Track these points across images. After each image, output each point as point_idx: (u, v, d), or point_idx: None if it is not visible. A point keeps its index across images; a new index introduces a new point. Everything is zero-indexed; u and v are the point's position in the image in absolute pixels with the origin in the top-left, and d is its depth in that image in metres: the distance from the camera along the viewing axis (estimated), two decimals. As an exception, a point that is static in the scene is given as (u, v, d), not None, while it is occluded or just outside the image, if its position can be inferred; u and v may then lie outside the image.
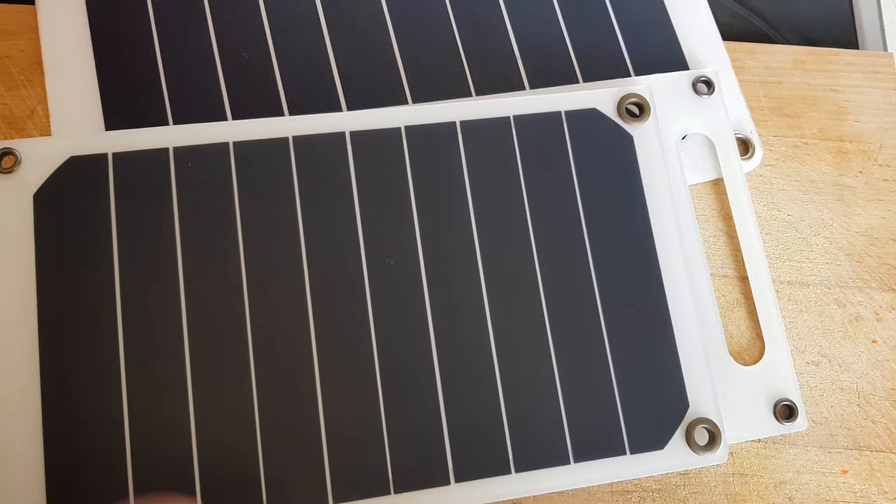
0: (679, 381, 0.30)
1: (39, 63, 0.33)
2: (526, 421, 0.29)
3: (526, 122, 0.31)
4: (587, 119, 0.32)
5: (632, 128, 0.32)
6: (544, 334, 0.29)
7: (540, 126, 0.31)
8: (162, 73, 0.33)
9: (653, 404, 0.29)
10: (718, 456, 0.29)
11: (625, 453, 0.29)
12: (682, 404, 0.29)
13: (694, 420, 0.29)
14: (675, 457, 0.29)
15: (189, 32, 0.34)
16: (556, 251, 0.30)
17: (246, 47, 0.34)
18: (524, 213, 0.30)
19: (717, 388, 0.31)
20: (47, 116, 0.32)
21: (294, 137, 0.30)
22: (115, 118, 0.32)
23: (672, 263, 0.31)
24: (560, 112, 0.32)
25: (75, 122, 0.32)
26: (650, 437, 0.29)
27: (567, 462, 0.28)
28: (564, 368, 0.29)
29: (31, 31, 0.34)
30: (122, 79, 0.33)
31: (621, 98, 0.32)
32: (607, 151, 0.31)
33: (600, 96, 0.32)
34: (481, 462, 0.28)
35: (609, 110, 0.32)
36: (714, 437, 0.29)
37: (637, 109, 0.32)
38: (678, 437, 0.29)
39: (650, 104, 0.32)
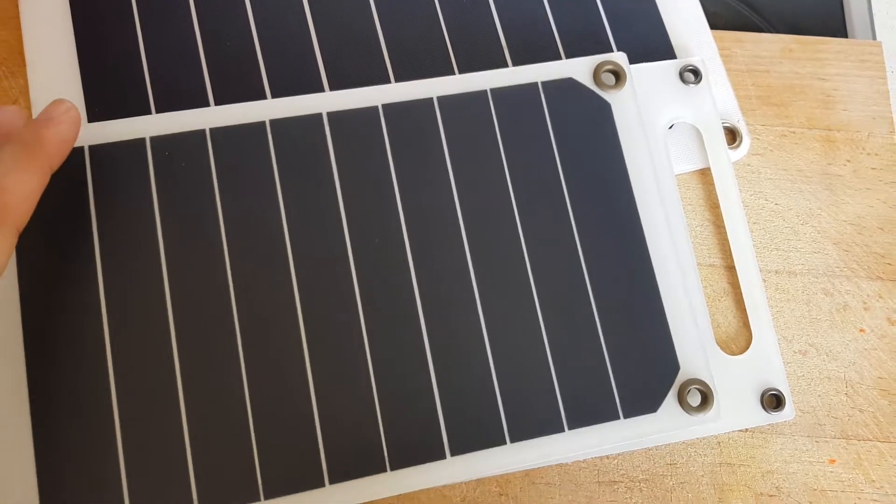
0: (669, 343, 0.30)
1: (21, 53, 0.33)
2: (518, 391, 0.29)
3: (503, 95, 0.31)
4: (564, 89, 0.32)
5: (609, 95, 0.32)
6: (532, 304, 0.29)
7: (517, 98, 0.31)
8: (145, 62, 0.33)
9: (644, 368, 0.29)
10: (711, 415, 0.29)
11: (619, 418, 0.29)
12: (673, 367, 0.29)
13: (686, 381, 0.29)
14: (668, 418, 0.29)
15: (172, 21, 0.33)
16: (541, 221, 0.30)
17: (229, 35, 0.33)
18: (506, 186, 0.30)
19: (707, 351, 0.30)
20: (29, 107, 0.32)
21: (271, 121, 0.30)
22: (98, 108, 0.32)
23: (655, 227, 0.31)
24: (537, 83, 0.31)
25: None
26: (643, 401, 0.29)
27: (562, 430, 0.28)
28: (554, 337, 0.29)
29: (13, 21, 0.33)
30: (105, 69, 0.32)
31: (597, 66, 0.32)
32: (586, 120, 0.31)
33: (576, 65, 0.32)
34: (476, 434, 0.28)
35: (586, 79, 0.32)
36: (706, 398, 0.29)
37: (613, 78, 0.32)
38: (671, 399, 0.29)
39: (626, 71, 0.32)
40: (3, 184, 0.23)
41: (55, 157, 0.25)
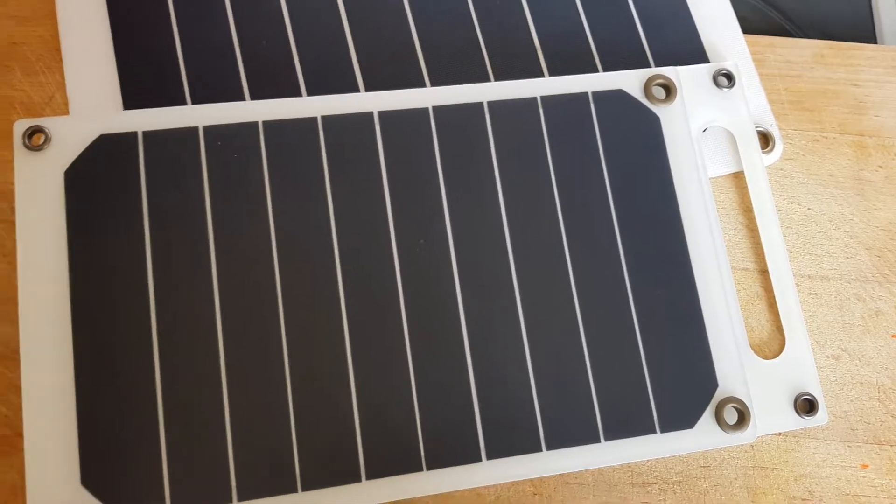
0: (708, 360, 0.30)
1: (57, 49, 0.33)
2: (556, 399, 0.29)
3: (553, 103, 0.31)
4: (614, 100, 0.32)
5: (658, 109, 0.32)
6: (574, 314, 0.30)
7: (567, 107, 0.31)
8: (181, 60, 0.33)
9: (682, 383, 0.29)
10: (747, 435, 0.29)
11: (655, 432, 0.29)
12: (712, 383, 0.29)
13: (723, 399, 0.29)
14: (704, 435, 0.29)
15: (208, 18, 0.33)
16: (585, 231, 0.30)
17: (265, 35, 0.33)
18: (552, 193, 0.31)
19: (746, 370, 0.30)
20: (66, 103, 0.32)
21: (323, 117, 0.30)
22: (134, 105, 0.32)
23: (700, 244, 0.31)
24: (587, 93, 0.32)
25: (94, 109, 0.32)
26: (680, 416, 0.29)
27: (597, 440, 0.28)
28: (594, 348, 0.29)
29: (49, 18, 0.33)
30: (141, 66, 0.32)
31: (648, 79, 0.32)
32: (634, 132, 0.32)
33: (627, 77, 0.32)
34: (512, 440, 0.28)
35: (636, 91, 0.32)
36: (743, 417, 0.29)
37: (664, 92, 0.32)
38: (708, 416, 0.29)
39: (677, 86, 0.32)
40: None
41: None
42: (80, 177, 0.28)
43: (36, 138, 0.28)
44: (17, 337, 0.30)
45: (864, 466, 0.31)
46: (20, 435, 0.29)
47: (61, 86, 0.32)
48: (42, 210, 0.28)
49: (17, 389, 0.29)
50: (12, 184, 0.31)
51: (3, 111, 0.32)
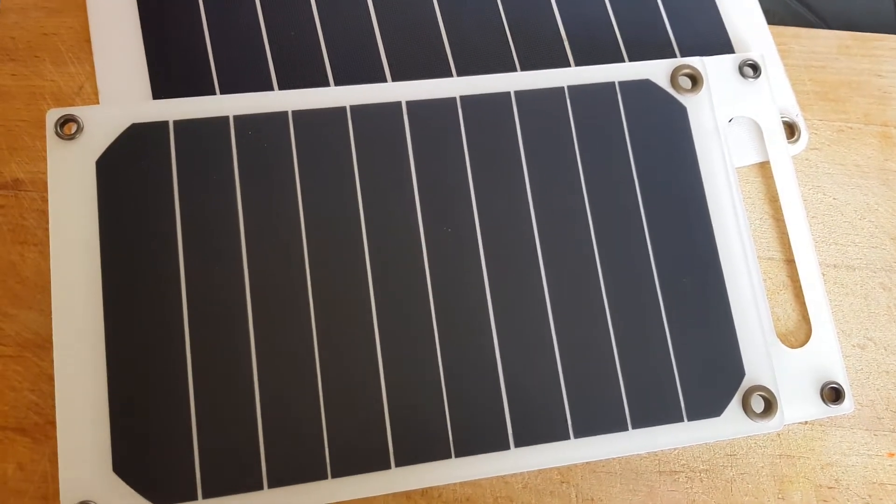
0: (735, 348, 0.30)
1: (87, 40, 0.33)
2: (584, 387, 0.29)
3: (580, 93, 0.31)
4: (641, 90, 0.32)
5: (685, 98, 0.32)
6: (601, 302, 0.30)
7: (594, 96, 0.31)
8: (210, 50, 0.33)
9: (709, 372, 0.29)
10: (774, 423, 0.29)
11: (682, 420, 0.29)
12: (739, 372, 0.30)
13: (750, 388, 0.29)
14: (731, 424, 0.29)
15: (237, 10, 0.34)
16: (612, 220, 0.31)
17: (293, 25, 0.33)
18: (579, 182, 0.31)
19: (772, 359, 0.31)
20: (95, 93, 0.32)
21: (351, 107, 0.30)
22: (163, 95, 0.32)
23: (727, 233, 0.31)
24: (614, 83, 0.32)
25: (123, 99, 0.32)
26: (707, 405, 0.29)
27: (625, 428, 0.29)
28: (621, 336, 0.29)
29: (79, 9, 0.34)
30: (170, 56, 0.33)
31: (674, 69, 0.32)
32: (661, 122, 0.32)
33: (654, 67, 0.32)
34: (540, 428, 0.28)
35: (662, 81, 0.32)
36: (770, 405, 0.29)
37: (690, 82, 0.32)
38: (735, 405, 0.29)
39: (703, 76, 0.32)
40: None
41: None
42: (111, 165, 0.29)
43: (68, 127, 0.29)
44: (47, 326, 0.30)
45: (891, 455, 0.31)
46: (51, 423, 0.29)
47: (91, 76, 0.33)
48: (74, 198, 0.28)
49: (48, 378, 0.30)
50: (43, 173, 0.32)
51: (33, 101, 0.32)
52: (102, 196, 0.28)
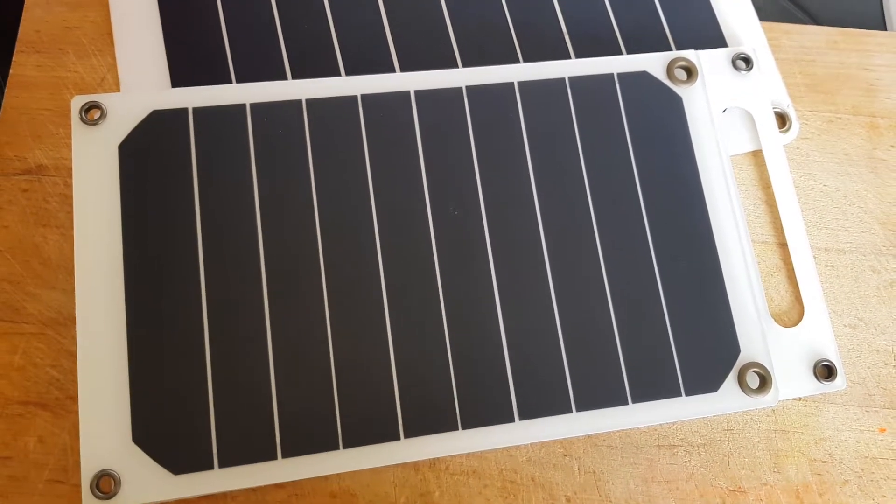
0: (730, 327, 0.31)
1: (109, 33, 0.35)
2: (586, 363, 0.30)
3: (580, 84, 0.33)
4: (638, 81, 0.33)
5: (681, 90, 0.33)
6: (602, 282, 0.31)
7: (593, 87, 0.33)
8: (226, 42, 0.34)
9: (706, 349, 0.31)
10: (769, 399, 0.30)
11: (680, 395, 0.30)
12: (734, 349, 0.31)
13: (745, 364, 0.30)
14: (727, 399, 0.30)
15: (252, 3, 0.35)
16: (612, 204, 0.32)
17: (306, 17, 0.35)
18: (580, 167, 0.32)
19: (766, 336, 0.32)
20: (117, 83, 0.34)
21: (363, 96, 0.31)
22: (182, 85, 0.33)
23: (721, 217, 0.32)
24: (613, 74, 0.33)
25: (144, 88, 0.34)
26: (704, 380, 0.30)
27: (626, 402, 0.30)
28: (621, 314, 0.31)
29: (101, 4, 0.35)
30: (189, 48, 0.34)
31: (670, 61, 0.34)
32: (658, 112, 0.33)
33: (651, 59, 0.34)
34: (543, 402, 0.29)
35: (659, 73, 0.34)
36: (765, 381, 0.30)
37: (685, 74, 0.34)
38: (731, 381, 0.30)
39: (698, 68, 0.34)
40: None
41: None
42: (133, 150, 0.30)
43: (92, 113, 0.30)
44: (69, 305, 0.31)
45: (882, 430, 0.33)
46: (71, 398, 0.30)
47: (112, 67, 0.34)
48: (97, 181, 0.30)
49: (69, 355, 0.31)
50: (65, 159, 0.33)
51: (57, 91, 0.34)
52: (124, 179, 0.30)
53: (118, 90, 0.33)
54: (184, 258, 0.29)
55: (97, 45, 0.35)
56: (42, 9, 0.35)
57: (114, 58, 0.34)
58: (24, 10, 0.35)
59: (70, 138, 0.33)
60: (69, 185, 0.32)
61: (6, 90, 0.34)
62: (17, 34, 0.35)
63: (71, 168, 0.32)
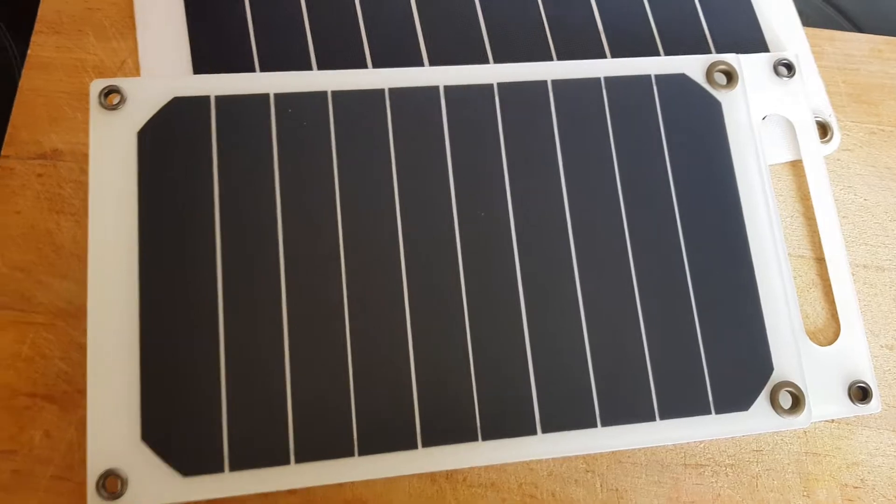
0: (764, 344, 0.30)
1: (131, 16, 0.34)
2: (613, 376, 0.29)
3: (616, 84, 0.32)
4: (676, 84, 0.32)
5: (720, 94, 0.32)
6: (632, 293, 0.30)
7: (630, 88, 0.32)
8: (251, 28, 0.33)
9: (738, 366, 0.29)
10: (802, 420, 0.29)
11: (710, 413, 0.29)
12: (767, 367, 0.30)
13: (779, 383, 0.29)
14: (759, 418, 0.29)
15: (279, -8, 0.34)
16: (645, 211, 0.31)
17: (334, 8, 0.34)
18: (613, 172, 0.31)
19: (801, 355, 0.30)
20: (137, 68, 0.33)
21: (390, 89, 0.30)
22: (204, 73, 0.32)
23: (758, 229, 0.31)
24: (650, 76, 0.32)
25: (164, 74, 0.33)
26: (735, 398, 0.29)
27: (653, 419, 0.29)
28: (651, 327, 0.29)
29: (123, -15, 0.34)
30: (213, 34, 0.33)
31: (710, 65, 0.32)
32: (696, 116, 0.32)
33: (690, 62, 0.32)
34: (567, 415, 0.28)
35: (698, 76, 0.32)
36: (798, 401, 0.29)
37: (725, 78, 0.33)
38: (763, 399, 0.29)
39: (738, 73, 0.32)
40: None
41: None
42: (152, 137, 0.29)
43: (111, 98, 0.29)
44: (80, 294, 0.30)
45: (918, 457, 0.31)
46: (80, 392, 0.29)
47: (133, 51, 0.33)
48: (114, 168, 0.29)
49: (79, 347, 0.30)
50: (82, 144, 0.32)
51: (76, 74, 0.33)
52: (142, 167, 0.29)
53: (138, 75, 0.33)
54: (201, 252, 0.28)
55: (118, 28, 0.34)
56: (63, -11, 0.34)
57: (135, 42, 0.33)
58: (45, -11, 0.34)
59: (87, 123, 0.32)
60: (85, 172, 0.32)
61: (24, 71, 0.33)
62: (37, 14, 0.34)
63: (87, 154, 0.31)
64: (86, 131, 0.32)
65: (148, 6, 0.33)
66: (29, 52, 0.33)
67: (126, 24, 0.34)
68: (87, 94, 0.32)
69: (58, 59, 0.33)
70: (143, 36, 0.33)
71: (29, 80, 0.33)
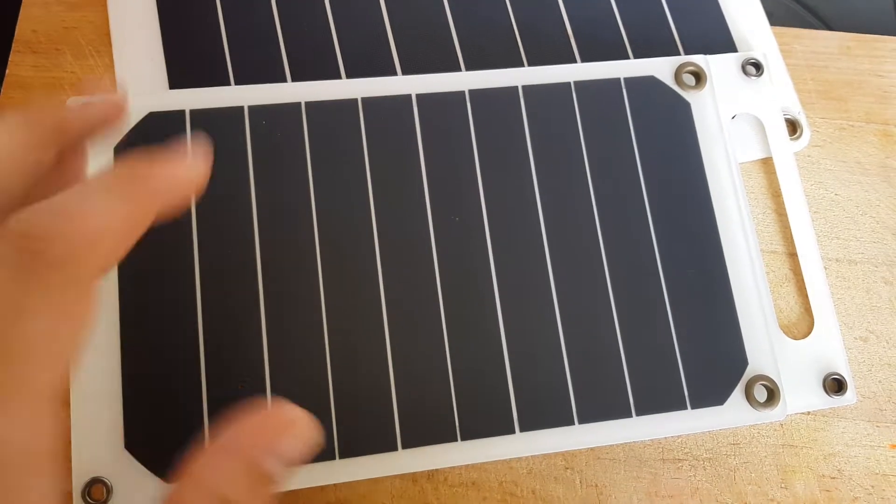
0: (738, 338, 0.30)
1: (107, 34, 0.34)
2: (589, 374, 0.29)
3: (586, 88, 0.32)
4: (645, 86, 0.33)
5: (689, 95, 0.33)
6: (606, 291, 0.30)
7: (600, 92, 0.32)
8: (226, 44, 0.34)
9: (713, 361, 0.30)
10: (777, 413, 0.29)
11: (686, 408, 0.29)
12: (742, 361, 0.30)
13: (753, 377, 0.30)
14: (734, 412, 0.29)
15: (252, 4, 0.34)
16: (617, 211, 0.31)
17: (307, 20, 0.34)
18: (585, 174, 0.31)
19: (775, 348, 0.31)
20: (114, 85, 0.33)
21: (363, 99, 0.31)
22: (180, 86, 0.33)
23: (730, 226, 0.32)
24: (619, 79, 0.32)
25: (141, 90, 0.33)
26: (710, 393, 0.29)
27: (629, 415, 0.29)
28: (626, 324, 0.30)
29: (100, 4, 0.35)
30: (187, 50, 0.34)
31: (678, 66, 0.33)
32: (665, 117, 0.32)
33: (658, 64, 0.33)
34: (545, 413, 0.29)
35: (667, 78, 0.33)
36: (773, 394, 0.30)
37: (694, 79, 0.33)
38: (738, 394, 0.30)
39: (707, 73, 0.33)
40: (78, 209, 0.16)
41: (160, 193, 0.19)
42: (129, 152, 0.29)
43: (88, 115, 0.29)
44: (63, 309, 0.30)
45: (893, 446, 0.32)
46: (63, 403, 0.30)
47: (110, 68, 0.34)
48: (92, 184, 0.29)
49: (63, 360, 0.30)
50: (62, 161, 0.32)
51: (53, 92, 0.33)
52: None
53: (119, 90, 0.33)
54: (180, 263, 0.29)
55: (95, 45, 0.34)
56: (40, 8, 0.34)
57: (111, 59, 0.34)
58: (22, 8, 0.34)
59: (66, 140, 0.32)
60: (65, 188, 0.32)
61: (2, 90, 0.33)
62: (14, 33, 0.34)
63: (67, 170, 0.31)
64: (65, 148, 0.32)
65: (123, 23, 0.34)
66: (7, 71, 0.33)
67: (102, 41, 0.34)
68: (66, 111, 0.33)
69: (36, 77, 0.33)
70: (119, 53, 0.33)
71: (7, 100, 0.33)
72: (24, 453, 0.15)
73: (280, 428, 0.18)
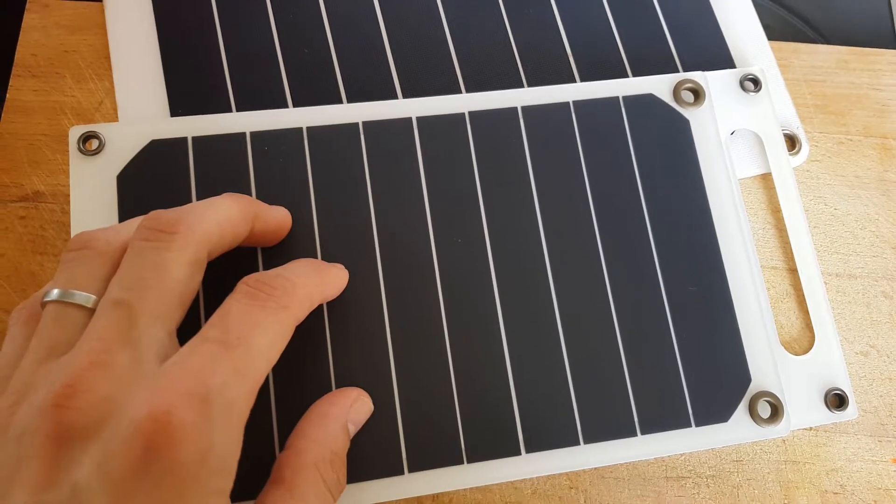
0: (741, 355, 0.30)
1: (107, 57, 0.34)
2: (593, 394, 0.29)
3: (585, 107, 0.32)
4: (644, 104, 0.33)
5: (688, 112, 0.33)
6: (609, 311, 0.30)
7: (599, 111, 0.32)
8: (226, 67, 0.34)
9: (716, 378, 0.30)
10: (781, 429, 0.30)
11: (690, 426, 0.29)
12: (745, 378, 0.30)
13: (757, 393, 0.30)
14: (738, 429, 0.30)
15: (252, 28, 0.35)
16: (618, 230, 0.31)
17: (307, 43, 0.34)
18: (586, 194, 0.31)
19: (778, 364, 0.31)
20: (114, 109, 0.33)
21: (364, 123, 0.31)
22: (180, 112, 0.33)
23: (731, 243, 0.32)
24: (618, 97, 0.33)
25: (142, 115, 0.33)
26: (714, 410, 0.30)
27: (634, 434, 0.29)
28: (629, 344, 0.30)
29: (99, 27, 0.35)
30: (188, 73, 0.34)
31: (677, 84, 0.33)
32: (665, 135, 0.32)
33: (657, 82, 0.33)
34: (550, 434, 0.29)
35: (665, 95, 0.33)
36: (776, 411, 0.30)
37: (692, 96, 0.33)
38: (742, 410, 0.30)
39: (705, 90, 0.33)
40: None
41: (306, 302, 0.25)
42: (132, 180, 0.29)
43: (90, 143, 0.30)
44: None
45: (895, 461, 0.32)
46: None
47: (110, 92, 0.34)
48: (95, 212, 0.29)
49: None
50: (63, 186, 0.32)
51: (54, 116, 0.33)
52: (123, 210, 0.29)
53: (116, 115, 0.33)
54: None
55: (95, 69, 0.34)
56: (39, 32, 0.34)
57: (111, 82, 0.34)
58: (21, 33, 0.34)
59: (67, 164, 0.32)
60: (67, 213, 0.32)
61: (2, 115, 0.33)
62: (14, 58, 0.34)
63: (68, 195, 0.31)
64: (66, 172, 0.32)
65: (123, 47, 0.34)
66: (7, 95, 0.33)
67: (102, 65, 0.34)
68: (66, 136, 0.33)
69: (36, 102, 0.33)
70: (119, 76, 0.33)
71: (8, 125, 0.33)
72: (222, 457, 0.20)
73: (351, 399, 0.27)
